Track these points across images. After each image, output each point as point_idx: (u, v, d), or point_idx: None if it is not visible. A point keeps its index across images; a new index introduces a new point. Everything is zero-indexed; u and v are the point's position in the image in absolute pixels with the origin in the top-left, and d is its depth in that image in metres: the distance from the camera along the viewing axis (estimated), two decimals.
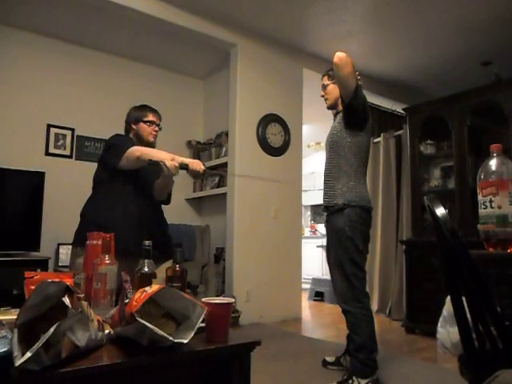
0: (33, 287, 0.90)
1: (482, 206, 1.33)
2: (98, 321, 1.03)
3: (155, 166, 2.05)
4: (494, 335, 0.99)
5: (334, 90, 2.47)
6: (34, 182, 3.77)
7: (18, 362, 0.77)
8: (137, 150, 2.15)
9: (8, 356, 0.80)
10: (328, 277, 3.09)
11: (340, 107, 2.44)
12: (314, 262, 6.76)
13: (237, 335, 1.20)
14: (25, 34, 4.04)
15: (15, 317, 0.86)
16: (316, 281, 6.07)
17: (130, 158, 2.14)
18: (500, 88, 3.55)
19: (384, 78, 5.27)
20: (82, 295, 0.97)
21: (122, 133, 2.45)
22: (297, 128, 4.65)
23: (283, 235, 4.35)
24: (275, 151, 4.43)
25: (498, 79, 3.82)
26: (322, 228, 7.03)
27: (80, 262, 1.54)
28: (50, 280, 0.90)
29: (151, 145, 2.35)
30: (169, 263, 1.41)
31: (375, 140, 4.83)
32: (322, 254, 6.60)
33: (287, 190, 4.46)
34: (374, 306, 4.50)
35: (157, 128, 2.40)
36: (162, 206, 2.44)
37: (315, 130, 6.44)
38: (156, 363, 1.00)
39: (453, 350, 1.23)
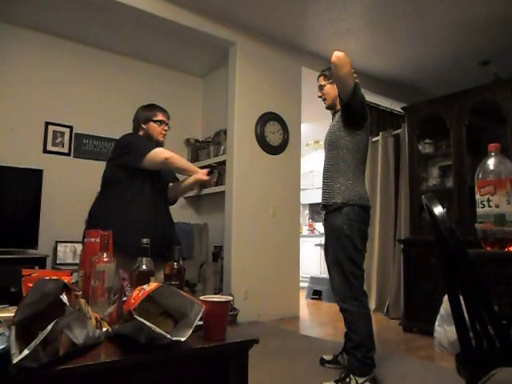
0: (30, 285, 0.90)
1: (480, 205, 1.33)
2: (96, 318, 1.03)
3: (213, 172, 2.38)
4: (491, 334, 1.00)
5: (331, 90, 2.48)
6: (32, 180, 3.76)
7: (15, 360, 0.77)
8: (164, 152, 2.22)
9: (6, 353, 0.80)
10: (326, 275, 3.09)
11: (338, 106, 2.44)
12: (312, 260, 6.77)
13: (235, 333, 1.20)
14: (25, 31, 4.03)
15: (13, 314, 0.86)
16: (314, 279, 6.08)
17: (156, 159, 2.20)
18: (498, 87, 3.55)
19: (382, 76, 5.27)
20: (79, 293, 0.96)
21: (125, 132, 2.43)
22: (295, 126, 4.65)
23: (281, 234, 4.35)
24: (274, 150, 4.43)
25: (497, 79, 3.82)
26: (320, 226, 7.04)
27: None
28: (47, 278, 0.90)
29: (160, 144, 2.39)
30: None
31: (373, 139, 4.83)
32: (320, 253, 6.61)
33: (285, 188, 4.46)
34: (372, 305, 4.51)
35: (166, 127, 2.42)
36: None
37: (314, 129, 6.44)
38: (154, 361, 1.00)
39: (450, 349, 1.23)
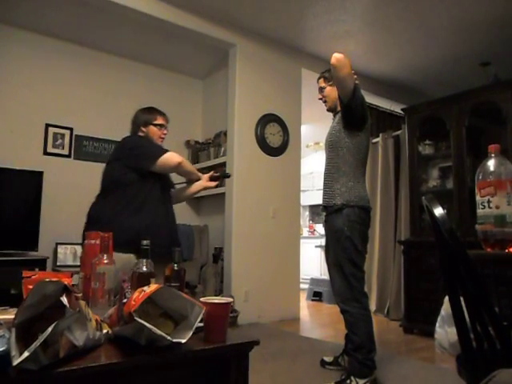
0: (31, 287, 0.90)
1: (480, 206, 1.33)
2: (96, 320, 1.03)
3: (227, 177, 2.63)
4: (492, 335, 0.99)
5: (331, 92, 2.48)
6: (32, 182, 3.76)
7: (15, 362, 0.77)
8: (176, 156, 2.26)
9: (6, 355, 0.79)
10: (326, 277, 3.09)
11: (339, 108, 2.44)
12: (312, 262, 6.76)
13: (235, 335, 1.20)
14: (24, 33, 4.03)
15: (13, 316, 0.86)
16: (314, 281, 6.08)
17: (169, 163, 2.23)
18: (498, 89, 3.55)
19: (382, 78, 5.28)
20: (80, 295, 0.96)
21: (125, 134, 2.43)
22: (295, 128, 4.65)
23: (282, 235, 4.35)
24: (274, 151, 4.43)
25: (497, 80, 3.82)
26: (320, 228, 7.03)
27: None
28: (47, 279, 0.90)
29: None
30: None
31: (374, 140, 4.83)
32: (320, 254, 6.60)
33: (286, 189, 4.46)
34: (373, 306, 4.50)
35: (165, 131, 2.43)
36: None
37: (314, 130, 6.44)
38: (154, 363, 1.00)
39: (451, 350, 1.23)
